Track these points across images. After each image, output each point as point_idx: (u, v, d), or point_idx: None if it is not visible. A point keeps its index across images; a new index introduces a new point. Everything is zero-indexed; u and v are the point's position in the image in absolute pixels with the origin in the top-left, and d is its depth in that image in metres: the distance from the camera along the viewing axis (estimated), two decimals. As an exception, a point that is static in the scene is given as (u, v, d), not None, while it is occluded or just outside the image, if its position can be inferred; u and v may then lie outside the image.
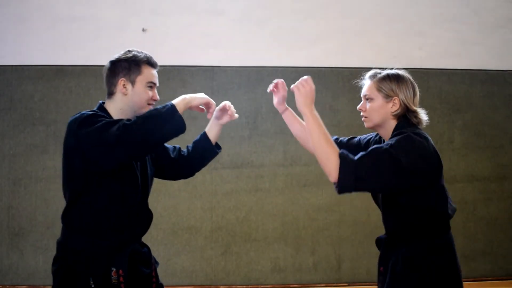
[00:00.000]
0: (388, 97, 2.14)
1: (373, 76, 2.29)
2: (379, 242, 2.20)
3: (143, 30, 4.45)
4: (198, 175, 4.50)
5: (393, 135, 2.12)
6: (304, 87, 2.08)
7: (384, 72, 2.21)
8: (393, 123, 2.17)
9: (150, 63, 2.18)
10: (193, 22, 4.48)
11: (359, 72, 4.54)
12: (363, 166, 1.94)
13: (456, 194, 4.55)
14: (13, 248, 4.29)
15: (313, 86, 2.09)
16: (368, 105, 2.26)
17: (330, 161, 2.00)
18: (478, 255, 4.53)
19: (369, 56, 4.56)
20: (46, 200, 4.32)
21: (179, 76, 4.44)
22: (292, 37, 4.53)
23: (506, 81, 4.66)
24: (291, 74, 4.53)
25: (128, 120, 2.02)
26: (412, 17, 4.62)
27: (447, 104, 4.61)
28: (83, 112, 2.11)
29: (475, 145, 4.60)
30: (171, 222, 4.37)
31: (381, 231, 4.62)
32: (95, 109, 2.18)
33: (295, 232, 4.39)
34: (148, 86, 2.19)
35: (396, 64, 4.58)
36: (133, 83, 2.16)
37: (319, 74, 4.50)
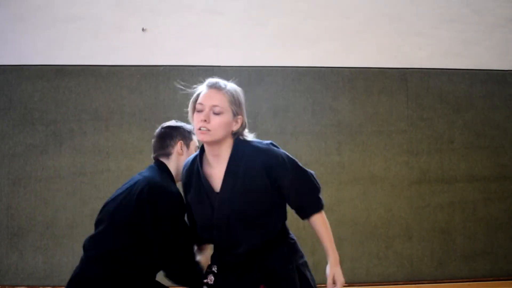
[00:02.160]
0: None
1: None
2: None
3: (143, 30, 4.45)
4: (198, 175, 4.51)
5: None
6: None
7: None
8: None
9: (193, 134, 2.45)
10: (193, 22, 4.47)
11: (359, 72, 4.59)
12: None
13: (456, 194, 4.55)
14: (12, 248, 4.29)
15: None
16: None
17: None
18: (478, 255, 4.53)
19: (369, 56, 4.56)
20: (46, 200, 4.31)
21: (179, 76, 4.44)
22: (292, 37, 4.52)
23: (506, 81, 4.66)
24: (291, 74, 4.54)
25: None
26: (412, 17, 4.62)
27: (447, 104, 4.61)
28: (166, 189, 2.23)
29: (475, 145, 4.60)
30: (171, 222, 4.36)
31: (381, 231, 4.60)
32: (162, 176, 2.31)
33: (295, 232, 4.34)
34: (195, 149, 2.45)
35: (396, 64, 4.62)
36: (187, 146, 2.45)
37: (319, 74, 4.50)
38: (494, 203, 4.58)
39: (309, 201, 2.09)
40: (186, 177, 2.14)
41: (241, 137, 2.05)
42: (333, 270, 2.06)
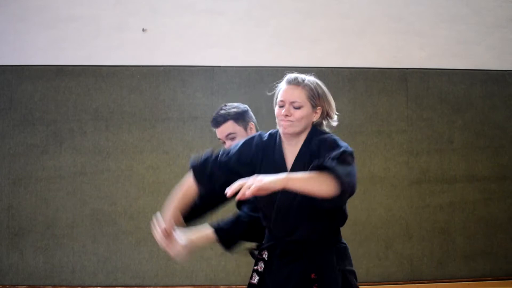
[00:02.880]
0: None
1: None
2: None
3: (143, 30, 4.45)
4: (198, 175, 4.51)
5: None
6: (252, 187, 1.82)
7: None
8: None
9: None
10: (193, 22, 4.47)
11: (359, 72, 4.59)
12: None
13: (456, 194, 4.55)
14: (13, 248, 4.29)
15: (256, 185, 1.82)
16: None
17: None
18: (478, 255, 4.53)
19: (369, 56, 4.56)
20: (46, 200, 4.32)
21: (179, 76, 4.44)
22: (292, 37, 4.53)
23: (506, 81, 4.66)
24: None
25: None
26: (412, 17, 4.62)
27: (447, 104, 4.61)
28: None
29: (475, 145, 4.60)
30: (171, 222, 4.37)
31: (381, 231, 4.61)
32: None
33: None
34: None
35: (396, 64, 4.62)
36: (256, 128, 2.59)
37: (319, 74, 4.47)
38: (494, 203, 4.58)
39: (327, 159, 1.91)
40: (261, 150, 2.11)
41: (319, 127, 2.13)
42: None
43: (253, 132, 2.51)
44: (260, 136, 2.17)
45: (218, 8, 4.50)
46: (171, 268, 4.35)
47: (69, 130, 4.36)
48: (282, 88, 2.11)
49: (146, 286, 4.34)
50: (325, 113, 2.16)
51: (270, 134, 2.17)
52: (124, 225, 4.34)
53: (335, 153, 1.94)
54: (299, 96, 2.07)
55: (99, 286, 4.31)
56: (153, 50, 4.45)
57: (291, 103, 2.05)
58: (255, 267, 2.16)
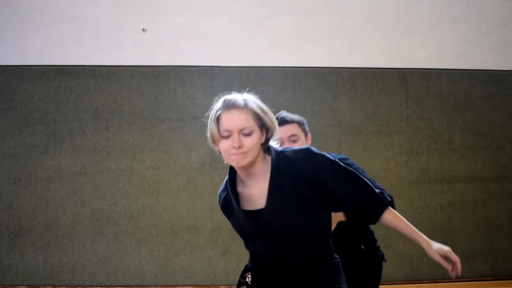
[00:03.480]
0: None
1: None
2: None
3: (143, 30, 4.45)
4: (197, 175, 4.52)
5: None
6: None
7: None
8: None
9: None
10: (193, 22, 4.47)
11: (359, 72, 4.59)
12: None
13: (456, 194, 4.55)
14: (13, 248, 4.29)
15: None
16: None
17: None
18: (478, 255, 4.53)
19: (369, 56, 4.56)
20: (46, 200, 4.32)
21: (179, 76, 4.44)
22: (292, 37, 4.52)
23: (506, 81, 4.66)
24: (291, 74, 4.54)
25: None
26: (412, 17, 4.62)
27: (447, 104, 4.61)
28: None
29: (475, 145, 4.60)
30: (171, 222, 4.37)
31: (381, 231, 4.62)
32: None
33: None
34: None
35: (396, 64, 4.62)
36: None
37: (319, 74, 4.50)
38: (494, 203, 4.58)
39: (367, 202, 1.89)
40: (225, 206, 2.01)
41: (271, 146, 1.92)
42: (436, 250, 1.88)
43: (309, 143, 2.58)
44: (219, 195, 2.05)
45: (218, 8, 4.50)
46: (171, 268, 4.36)
47: (69, 130, 4.36)
48: (222, 114, 1.87)
49: (146, 286, 4.34)
50: (267, 130, 1.89)
51: (225, 183, 1.99)
52: (124, 225, 4.34)
53: (362, 188, 1.91)
54: (247, 121, 1.81)
55: (99, 286, 4.31)
56: (153, 50, 4.45)
57: (241, 131, 1.80)
58: None
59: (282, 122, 2.53)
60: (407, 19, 4.62)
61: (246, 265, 2.01)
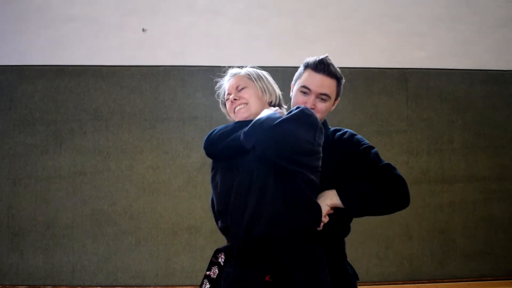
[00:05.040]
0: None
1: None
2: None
3: (143, 30, 4.45)
4: (198, 175, 4.52)
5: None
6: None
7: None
8: None
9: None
10: (193, 22, 4.47)
11: (359, 72, 4.59)
12: None
13: (456, 194, 4.55)
14: (13, 248, 4.29)
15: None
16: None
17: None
18: (478, 255, 4.53)
19: (369, 56, 4.56)
20: (46, 200, 4.32)
21: (179, 76, 4.44)
22: (292, 37, 4.52)
23: (506, 81, 4.66)
24: (291, 74, 4.52)
25: None
26: (412, 17, 4.62)
27: (447, 104, 4.61)
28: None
29: (475, 145, 4.60)
30: (171, 222, 4.37)
31: (381, 231, 4.60)
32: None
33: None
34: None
35: (396, 64, 4.62)
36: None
37: (319, 74, 4.50)
38: (494, 203, 4.58)
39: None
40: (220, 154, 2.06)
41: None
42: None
43: (331, 109, 2.21)
44: (219, 130, 2.09)
45: (218, 8, 4.50)
46: (171, 268, 4.36)
47: (69, 130, 4.36)
48: (228, 82, 2.13)
49: (146, 286, 4.34)
50: (269, 89, 2.14)
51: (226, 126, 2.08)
52: (124, 225, 4.34)
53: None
54: (240, 79, 2.08)
55: (99, 286, 4.31)
56: (153, 50, 4.45)
57: (236, 88, 2.06)
58: (207, 272, 1.91)
59: (321, 69, 2.12)
60: (407, 19, 4.62)
61: (216, 251, 1.95)
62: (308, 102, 2.10)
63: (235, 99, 2.02)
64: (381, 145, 4.51)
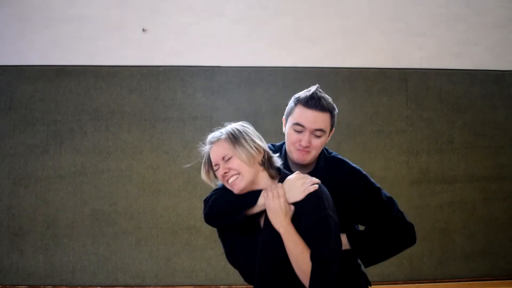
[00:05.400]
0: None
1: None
2: None
3: (143, 30, 4.45)
4: (198, 175, 4.51)
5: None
6: (272, 199, 1.88)
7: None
8: None
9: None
10: (193, 22, 4.48)
11: (359, 72, 4.59)
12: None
13: (456, 194, 4.56)
14: (13, 248, 4.29)
15: (282, 200, 1.87)
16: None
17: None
18: (478, 255, 4.53)
19: (369, 56, 4.56)
20: (46, 200, 4.32)
21: (179, 76, 4.45)
22: (292, 37, 4.53)
23: (506, 81, 4.66)
24: (291, 74, 4.54)
25: None
26: (412, 17, 4.62)
27: (447, 104, 4.61)
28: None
29: (475, 145, 4.60)
30: (171, 222, 4.37)
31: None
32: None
33: (295, 232, 4.38)
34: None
35: (396, 64, 4.62)
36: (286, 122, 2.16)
37: (319, 74, 4.50)
38: (494, 203, 4.59)
39: None
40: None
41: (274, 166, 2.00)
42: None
43: (326, 141, 2.13)
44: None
45: (218, 8, 4.50)
46: (171, 268, 4.36)
47: (69, 130, 4.37)
48: (210, 150, 2.01)
49: (146, 286, 4.34)
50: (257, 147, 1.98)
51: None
52: (124, 225, 4.35)
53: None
54: (224, 148, 1.95)
55: (99, 286, 4.31)
56: (153, 50, 4.45)
57: (222, 159, 1.94)
58: None
59: (313, 104, 2.02)
60: (407, 19, 4.62)
61: None
62: (302, 140, 2.04)
63: (225, 172, 1.92)
64: (381, 145, 4.51)
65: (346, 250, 2.04)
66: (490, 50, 4.65)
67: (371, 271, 4.46)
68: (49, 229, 4.31)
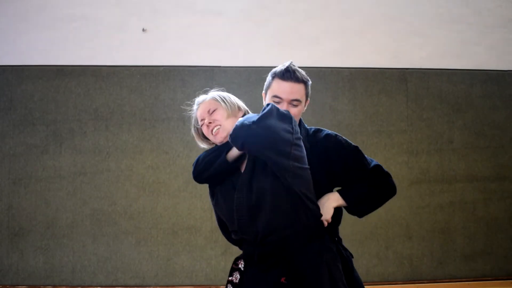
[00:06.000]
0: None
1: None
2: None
3: (143, 30, 4.45)
4: (198, 175, 4.52)
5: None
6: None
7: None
8: None
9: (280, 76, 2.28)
10: (193, 22, 4.47)
11: (359, 72, 4.59)
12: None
13: (456, 194, 4.56)
14: (13, 248, 4.29)
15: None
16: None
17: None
18: (478, 255, 4.53)
19: (369, 56, 4.56)
20: (46, 200, 4.32)
21: (179, 76, 4.45)
22: (292, 37, 4.52)
23: (506, 81, 4.66)
24: (291, 74, 4.54)
25: None
26: (412, 17, 4.62)
27: (447, 104, 4.61)
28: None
29: (475, 145, 4.60)
30: (171, 222, 4.37)
31: (381, 231, 4.60)
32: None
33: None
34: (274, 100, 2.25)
35: (396, 64, 4.62)
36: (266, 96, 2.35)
37: (319, 74, 4.50)
38: (494, 203, 4.58)
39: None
40: (212, 177, 2.14)
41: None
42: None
43: (303, 110, 2.28)
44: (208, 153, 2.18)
45: (218, 8, 4.50)
46: (171, 268, 4.36)
47: (69, 130, 4.36)
48: (198, 109, 2.21)
49: (146, 286, 4.34)
50: (237, 106, 2.19)
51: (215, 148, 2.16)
52: (124, 225, 4.34)
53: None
54: (209, 103, 2.15)
55: (99, 286, 4.31)
56: (153, 50, 4.45)
57: (208, 111, 2.13)
58: (230, 278, 2.08)
59: (288, 76, 2.22)
60: (407, 19, 4.62)
61: (237, 258, 2.12)
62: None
63: (210, 123, 2.10)
64: (381, 145, 4.51)
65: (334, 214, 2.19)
66: (490, 50, 4.64)
67: (371, 271, 4.47)
68: (49, 229, 4.31)
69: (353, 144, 2.21)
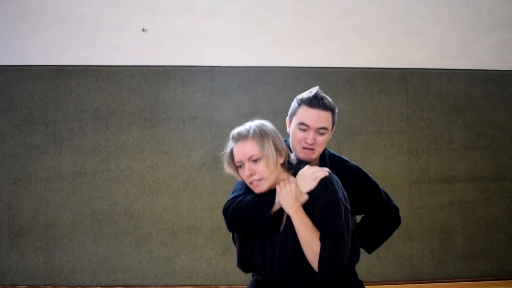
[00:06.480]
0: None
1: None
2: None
3: (143, 30, 4.45)
4: (198, 175, 4.53)
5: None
6: (284, 186, 1.95)
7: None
8: None
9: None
10: (193, 22, 4.48)
11: (359, 72, 4.59)
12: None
13: (456, 194, 4.56)
14: (13, 248, 4.29)
15: (292, 186, 1.93)
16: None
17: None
18: (478, 255, 4.53)
19: (369, 56, 4.56)
20: (46, 200, 4.32)
21: (179, 76, 4.45)
22: (292, 37, 4.53)
23: (506, 81, 4.67)
24: (291, 74, 4.54)
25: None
26: (412, 17, 4.62)
27: (447, 104, 4.61)
28: None
29: (475, 145, 4.60)
30: (171, 222, 4.37)
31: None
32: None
33: (295, 232, 4.38)
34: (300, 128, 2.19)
35: (396, 64, 4.62)
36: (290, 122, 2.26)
37: (319, 74, 4.50)
38: (494, 203, 4.59)
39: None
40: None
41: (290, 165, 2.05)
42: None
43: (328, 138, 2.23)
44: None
45: (218, 8, 4.50)
46: (171, 268, 4.36)
47: (69, 130, 4.37)
48: (234, 147, 2.00)
49: (146, 286, 4.34)
50: (280, 149, 2.02)
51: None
52: (124, 225, 4.35)
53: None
54: (253, 149, 1.95)
55: (99, 286, 4.31)
56: (153, 50, 4.45)
57: (249, 158, 1.96)
58: None
59: (316, 104, 2.14)
60: (407, 19, 4.62)
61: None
62: (308, 137, 2.15)
63: (251, 174, 1.95)
64: (381, 145, 4.51)
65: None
66: (490, 50, 4.65)
67: (371, 271, 4.47)
68: (49, 229, 4.31)
69: (373, 179, 2.30)
